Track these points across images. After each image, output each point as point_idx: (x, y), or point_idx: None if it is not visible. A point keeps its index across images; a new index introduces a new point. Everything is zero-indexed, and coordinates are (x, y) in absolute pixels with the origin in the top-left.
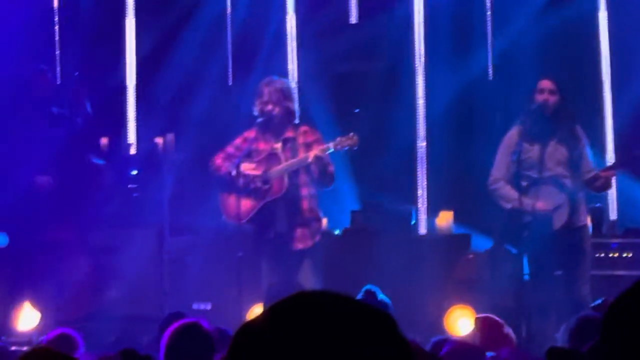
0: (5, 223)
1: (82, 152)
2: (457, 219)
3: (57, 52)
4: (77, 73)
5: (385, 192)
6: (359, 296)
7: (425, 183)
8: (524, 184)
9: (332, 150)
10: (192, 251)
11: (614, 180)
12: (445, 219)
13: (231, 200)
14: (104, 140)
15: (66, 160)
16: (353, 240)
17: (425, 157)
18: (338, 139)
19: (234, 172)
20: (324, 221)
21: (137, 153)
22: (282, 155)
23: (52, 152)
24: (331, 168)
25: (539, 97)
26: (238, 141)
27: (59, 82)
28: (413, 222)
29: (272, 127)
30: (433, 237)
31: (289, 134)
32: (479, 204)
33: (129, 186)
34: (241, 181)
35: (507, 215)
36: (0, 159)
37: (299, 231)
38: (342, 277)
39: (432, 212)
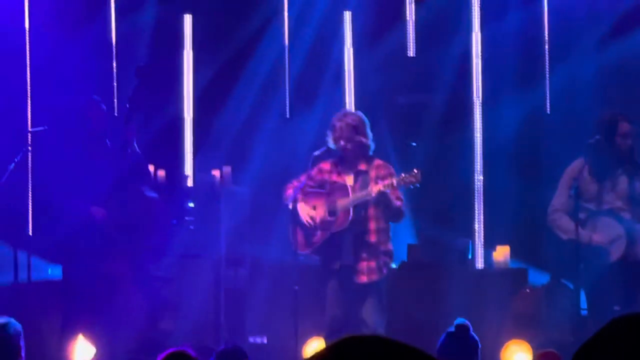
0: (60, 255)
1: (136, 184)
2: (514, 253)
3: (114, 84)
4: (127, 105)
5: (442, 226)
6: (450, 329)
7: (482, 217)
8: (582, 216)
9: (395, 186)
10: (249, 283)
11: None
12: (502, 253)
13: (299, 229)
14: (161, 173)
15: (120, 192)
16: (410, 274)
17: (482, 191)
18: (402, 175)
19: (290, 205)
20: None
21: (194, 185)
22: (351, 188)
23: (106, 183)
24: (398, 203)
25: (623, 143)
26: (313, 172)
27: (116, 114)
28: (470, 256)
29: (346, 160)
30: (490, 272)
31: (362, 167)
32: (536, 238)
33: (186, 218)
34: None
35: (563, 249)
36: (55, 189)
37: (365, 264)
38: (399, 310)
39: (489, 246)
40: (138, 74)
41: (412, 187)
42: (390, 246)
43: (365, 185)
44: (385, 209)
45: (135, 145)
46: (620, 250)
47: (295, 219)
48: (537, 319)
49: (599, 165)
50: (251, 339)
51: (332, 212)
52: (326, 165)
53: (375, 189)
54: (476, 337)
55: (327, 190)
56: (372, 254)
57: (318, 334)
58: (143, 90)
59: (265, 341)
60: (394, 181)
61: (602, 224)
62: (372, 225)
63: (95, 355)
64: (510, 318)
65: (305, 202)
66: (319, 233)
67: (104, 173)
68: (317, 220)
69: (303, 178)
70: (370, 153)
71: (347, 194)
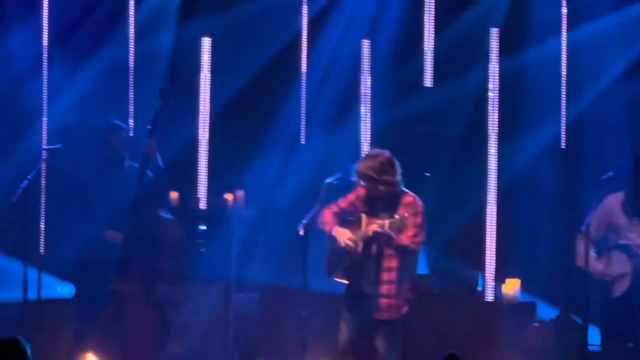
0: (73, 274)
1: (151, 205)
2: (524, 286)
3: (131, 107)
4: (148, 127)
5: (453, 257)
6: (439, 358)
7: (494, 249)
8: (601, 248)
9: (385, 227)
10: (258, 308)
11: None
12: (511, 287)
13: (331, 254)
14: (173, 195)
15: (135, 213)
16: (419, 304)
17: (494, 224)
18: (397, 217)
19: (301, 232)
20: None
21: (206, 208)
22: (364, 222)
23: (122, 205)
24: (404, 242)
25: None
26: (343, 204)
27: (131, 134)
28: (480, 288)
29: (375, 196)
30: (499, 305)
31: (391, 202)
32: (546, 272)
33: (197, 241)
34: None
35: (573, 283)
36: (69, 210)
37: (382, 301)
38: (408, 340)
39: (500, 279)
40: (162, 97)
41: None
42: (408, 283)
43: (395, 222)
44: (390, 248)
45: (159, 160)
46: (623, 287)
47: (331, 244)
48: (545, 353)
49: (631, 201)
50: None
51: (353, 240)
52: (362, 191)
53: (370, 228)
54: None
55: (353, 219)
56: (389, 292)
57: (329, 357)
58: (165, 112)
59: None
60: (387, 222)
61: (615, 258)
62: (386, 264)
63: None
64: (519, 352)
65: (341, 226)
66: (341, 260)
67: (121, 195)
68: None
69: (335, 207)
70: (402, 188)
71: (360, 226)
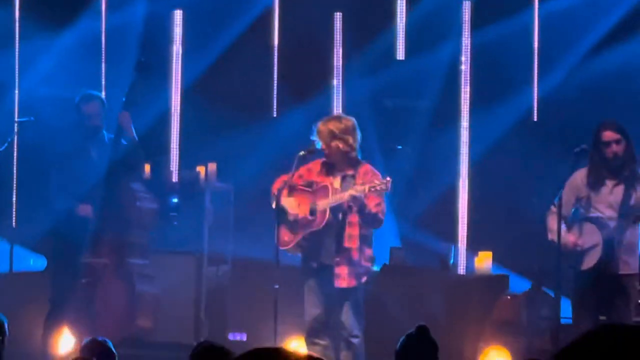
0: (44, 246)
1: (124, 178)
2: (496, 259)
3: (103, 80)
4: (123, 99)
5: (425, 230)
6: (411, 331)
7: (466, 222)
8: (572, 221)
9: (367, 191)
10: (231, 281)
11: None
12: (484, 260)
13: (281, 226)
14: (145, 167)
15: (107, 185)
16: (391, 277)
17: (467, 196)
18: (376, 181)
19: (273, 204)
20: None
21: (178, 181)
22: (332, 190)
23: (95, 177)
24: (374, 210)
25: (608, 152)
26: (302, 170)
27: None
28: (452, 261)
29: (332, 163)
30: (471, 277)
31: (349, 171)
32: (518, 245)
33: (170, 214)
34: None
35: (545, 256)
36: (44, 182)
37: (343, 269)
38: (379, 313)
39: (472, 251)
40: (138, 69)
41: (387, 193)
42: (370, 253)
43: (348, 189)
44: (360, 215)
45: (134, 132)
46: (593, 260)
47: (279, 215)
48: (517, 326)
49: (593, 173)
50: (231, 336)
51: (312, 212)
52: (316, 166)
53: (348, 192)
54: (435, 340)
55: (312, 190)
56: (349, 260)
57: (298, 333)
58: (141, 84)
59: (245, 339)
60: (366, 187)
61: (585, 230)
62: (348, 231)
63: (76, 346)
64: (491, 324)
65: (291, 197)
66: (299, 231)
67: (97, 167)
68: (299, 217)
69: (294, 174)
70: (359, 158)
71: (327, 195)
